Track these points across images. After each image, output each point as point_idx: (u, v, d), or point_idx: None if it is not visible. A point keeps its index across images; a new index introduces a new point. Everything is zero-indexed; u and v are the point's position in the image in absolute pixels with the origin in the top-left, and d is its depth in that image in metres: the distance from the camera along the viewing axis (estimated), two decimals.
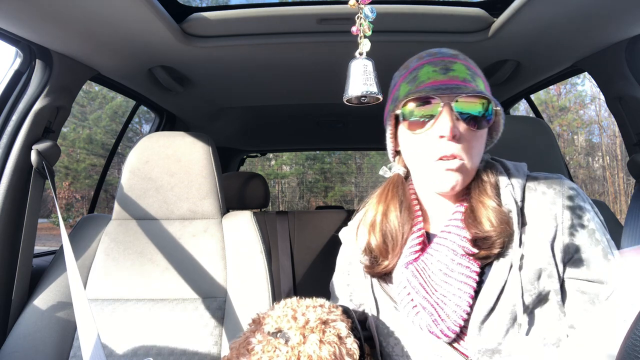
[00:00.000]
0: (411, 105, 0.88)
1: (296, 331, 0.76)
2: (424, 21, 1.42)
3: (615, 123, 1.67)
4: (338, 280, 1.14)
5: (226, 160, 3.74)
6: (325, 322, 0.78)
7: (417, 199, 1.01)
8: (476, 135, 0.88)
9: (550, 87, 3.21)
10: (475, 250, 0.86)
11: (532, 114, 2.60)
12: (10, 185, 1.28)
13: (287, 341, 0.75)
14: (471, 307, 0.85)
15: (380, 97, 0.87)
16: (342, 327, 0.79)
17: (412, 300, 0.91)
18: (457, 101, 0.85)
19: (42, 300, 1.29)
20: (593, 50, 1.56)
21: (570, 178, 2.03)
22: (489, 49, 1.56)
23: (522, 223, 0.88)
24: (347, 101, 0.90)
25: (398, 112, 0.91)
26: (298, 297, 0.86)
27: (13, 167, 1.29)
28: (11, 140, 1.30)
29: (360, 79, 0.86)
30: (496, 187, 0.92)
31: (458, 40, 1.48)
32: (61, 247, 1.08)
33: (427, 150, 0.88)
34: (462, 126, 0.86)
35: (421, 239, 0.95)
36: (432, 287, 0.90)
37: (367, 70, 0.86)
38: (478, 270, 0.87)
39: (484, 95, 0.87)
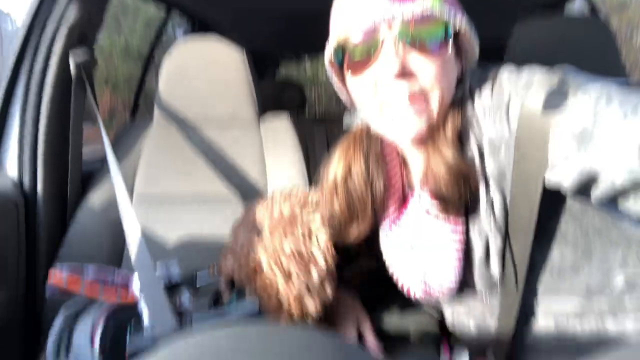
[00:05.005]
0: (347, 43, 0.72)
1: (267, 224, 0.83)
2: None
3: None
4: None
5: (261, 66, 3.67)
6: (295, 216, 0.82)
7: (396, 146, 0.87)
8: (436, 65, 0.70)
9: None
10: (438, 210, 0.76)
11: (587, 12, 2.36)
12: (53, 97, 1.31)
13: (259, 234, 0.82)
14: (461, 262, 0.79)
15: None
16: (316, 219, 0.81)
17: (397, 266, 0.88)
18: (403, 26, 0.67)
19: (94, 201, 1.38)
20: None
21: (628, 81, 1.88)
22: None
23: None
24: None
25: (331, 53, 0.75)
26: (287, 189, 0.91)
27: (54, 78, 1.31)
28: (48, 51, 1.31)
29: None
30: (461, 127, 0.75)
31: None
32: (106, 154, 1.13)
33: (375, 95, 0.73)
34: (414, 57, 0.69)
35: (400, 195, 0.87)
36: (417, 251, 0.84)
37: None
38: (461, 227, 0.77)
39: (434, 14, 0.68)
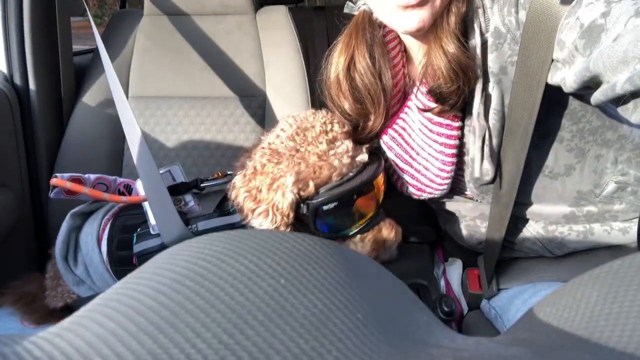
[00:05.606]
0: None
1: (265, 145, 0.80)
2: None
3: None
4: None
5: None
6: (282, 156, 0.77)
7: (398, 36, 0.81)
8: None
9: None
10: (432, 105, 0.72)
11: None
12: None
13: None
14: (454, 157, 0.76)
15: None
16: (288, 179, 0.73)
17: (395, 165, 0.84)
18: None
19: (90, 98, 1.33)
20: None
21: None
22: None
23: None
24: None
25: None
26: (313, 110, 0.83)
27: None
28: None
29: None
30: (466, 18, 0.70)
31: None
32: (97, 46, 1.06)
33: None
34: None
35: (402, 92, 0.82)
36: (415, 150, 0.80)
37: None
38: (457, 129, 0.74)
39: None
